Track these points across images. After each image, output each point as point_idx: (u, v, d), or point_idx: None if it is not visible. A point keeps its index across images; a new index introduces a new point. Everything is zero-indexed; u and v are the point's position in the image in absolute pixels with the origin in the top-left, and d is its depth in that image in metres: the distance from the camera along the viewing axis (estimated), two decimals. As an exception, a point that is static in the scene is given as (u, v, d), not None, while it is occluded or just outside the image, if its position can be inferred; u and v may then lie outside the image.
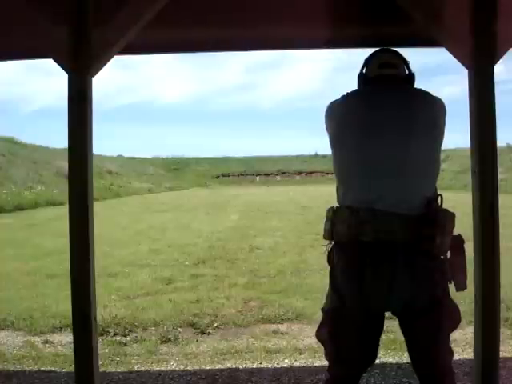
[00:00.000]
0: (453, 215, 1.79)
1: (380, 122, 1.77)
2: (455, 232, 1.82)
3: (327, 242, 1.87)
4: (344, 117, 1.86)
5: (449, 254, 1.83)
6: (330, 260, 1.88)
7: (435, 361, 1.80)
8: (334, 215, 1.81)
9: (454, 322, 1.89)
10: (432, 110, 1.83)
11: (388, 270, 1.70)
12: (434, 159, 1.83)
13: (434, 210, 1.75)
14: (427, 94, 1.86)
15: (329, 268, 1.90)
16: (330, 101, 1.92)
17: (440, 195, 1.80)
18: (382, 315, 1.85)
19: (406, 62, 1.94)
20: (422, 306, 1.75)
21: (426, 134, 1.78)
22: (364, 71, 1.96)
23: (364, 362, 1.90)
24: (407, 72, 1.95)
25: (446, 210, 1.78)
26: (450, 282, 1.83)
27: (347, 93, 1.91)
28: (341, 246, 1.80)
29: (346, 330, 1.81)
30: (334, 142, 1.88)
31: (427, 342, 1.78)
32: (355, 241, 1.72)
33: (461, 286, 1.85)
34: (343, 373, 1.88)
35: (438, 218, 1.72)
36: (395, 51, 1.97)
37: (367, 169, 1.76)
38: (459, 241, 1.84)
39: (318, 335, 2.00)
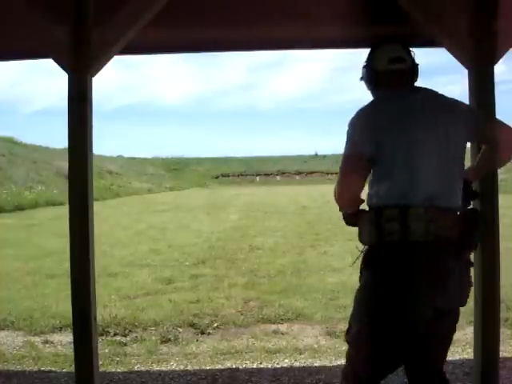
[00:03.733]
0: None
1: (420, 124, 1.77)
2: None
3: (362, 245, 1.84)
4: (385, 119, 1.80)
5: None
6: (368, 266, 1.81)
7: (443, 360, 1.86)
8: (377, 216, 1.75)
9: None
10: (462, 114, 1.85)
11: (439, 270, 1.71)
12: (463, 159, 1.86)
13: (474, 208, 1.79)
14: (456, 100, 1.89)
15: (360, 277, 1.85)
16: (359, 109, 1.87)
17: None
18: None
19: (409, 53, 1.94)
20: (452, 308, 1.80)
21: (458, 135, 1.81)
22: (372, 64, 1.94)
23: (395, 366, 1.87)
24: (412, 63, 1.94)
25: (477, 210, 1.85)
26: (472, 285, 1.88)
27: (376, 98, 1.92)
28: (390, 247, 1.74)
29: (384, 342, 1.75)
30: (378, 144, 1.77)
31: (444, 340, 1.83)
32: (407, 241, 1.70)
33: None
34: (371, 374, 1.84)
35: (477, 217, 1.78)
36: (400, 42, 1.95)
37: (415, 167, 1.75)
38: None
39: (347, 338, 1.91)
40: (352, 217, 1.90)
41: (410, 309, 1.71)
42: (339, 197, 1.82)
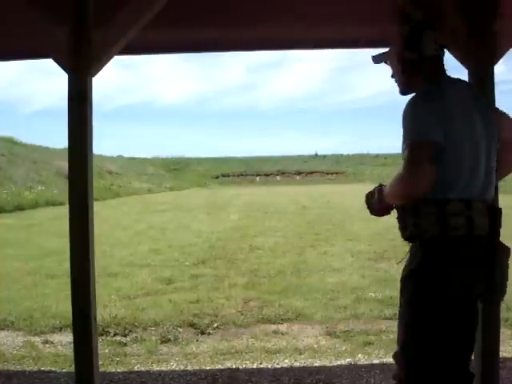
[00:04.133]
0: None
1: (475, 116, 1.75)
2: None
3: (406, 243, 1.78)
4: (447, 109, 1.71)
5: None
6: (428, 264, 1.69)
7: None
8: (439, 209, 1.66)
9: None
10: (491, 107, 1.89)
11: (497, 264, 1.72)
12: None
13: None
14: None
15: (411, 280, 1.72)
16: (415, 96, 1.75)
17: None
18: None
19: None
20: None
21: (495, 127, 1.81)
22: (419, 48, 1.81)
23: None
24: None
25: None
26: None
27: (431, 85, 1.79)
28: (456, 243, 1.66)
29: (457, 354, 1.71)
30: (445, 134, 1.67)
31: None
32: (473, 235, 1.67)
33: None
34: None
35: (500, 214, 1.79)
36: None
37: (475, 160, 1.72)
38: None
39: (400, 365, 1.79)
40: (387, 209, 1.82)
41: (477, 308, 1.73)
42: (411, 186, 1.62)
